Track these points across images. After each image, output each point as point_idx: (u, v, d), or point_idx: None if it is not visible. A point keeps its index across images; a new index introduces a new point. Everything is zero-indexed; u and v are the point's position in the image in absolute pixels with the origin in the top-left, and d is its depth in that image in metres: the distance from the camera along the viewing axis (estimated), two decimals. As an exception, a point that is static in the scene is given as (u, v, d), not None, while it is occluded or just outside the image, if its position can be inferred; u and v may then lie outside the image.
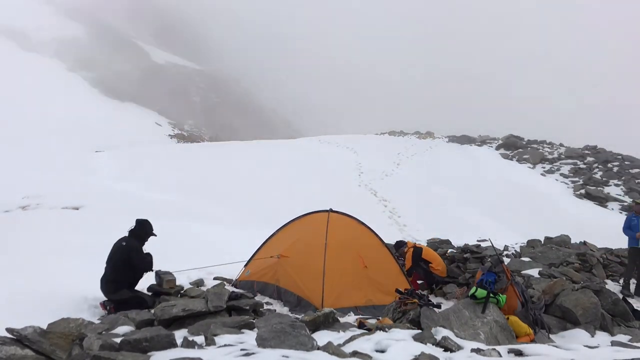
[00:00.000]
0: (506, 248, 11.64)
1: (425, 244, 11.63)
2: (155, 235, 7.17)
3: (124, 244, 6.90)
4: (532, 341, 5.25)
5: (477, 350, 4.04)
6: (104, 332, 5.17)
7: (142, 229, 7.03)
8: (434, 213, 19.08)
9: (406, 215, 18.71)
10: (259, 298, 7.52)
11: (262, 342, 3.69)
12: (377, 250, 8.23)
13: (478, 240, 11.89)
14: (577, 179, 26.10)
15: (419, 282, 9.34)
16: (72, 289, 7.00)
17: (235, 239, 11.96)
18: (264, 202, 17.93)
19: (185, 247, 10.78)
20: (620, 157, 29.96)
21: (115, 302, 6.56)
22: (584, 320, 6.00)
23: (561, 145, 33.56)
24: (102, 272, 6.81)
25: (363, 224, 8.48)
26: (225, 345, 3.96)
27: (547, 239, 11.94)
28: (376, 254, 8.13)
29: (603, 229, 16.70)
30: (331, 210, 8.30)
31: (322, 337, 4.42)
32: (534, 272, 8.84)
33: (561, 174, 27.13)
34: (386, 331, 4.41)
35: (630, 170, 27.03)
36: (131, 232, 7.02)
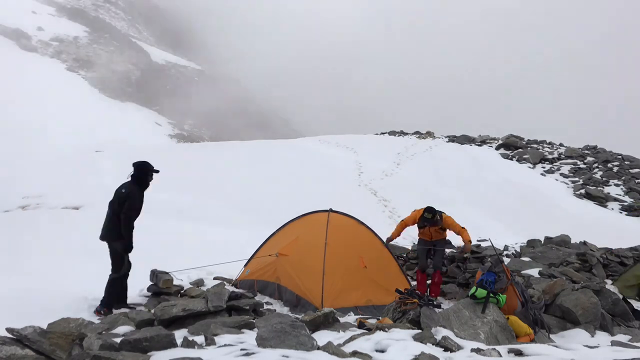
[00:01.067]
0: (506, 248, 11.63)
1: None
2: (158, 172, 6.92)
3: (124, 191, 6.76)
4: (532, 341, 5.25)
5: (477, 350, 4.04)
6: (104, 332, 5.18)
7: (141, 171, 6.84)
8: (434, 213, 19.05)
9: (406, 215, 18.68)
10: (259, 297, 7.52)
11: (262, 342, 3.69)
12: (378, 251, 8.22)
13: (478, 240, 11.87)
14: (577, 178, 26.09)
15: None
16: (72, 289, 7.01)
17: (235, 238, 11.96)
18: (263, 202, 17.92)
19: (185, 247, 10.79)
20: (620, 157, 29.96)
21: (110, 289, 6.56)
22: (584, 320, 6.00)
23: (561, 145, 33.56)
24: (102, 271, 6.81)
25: (363, 224, 8.48)
26: (225, 345, 3.96)
27: (547, 238, 11.92)
28: (376, 254, 8.12)
29: (603, 228, 16.70)
30: (331, 210, 8.30)
31: (322, 336, 4.43)
32: (534, 272, 8.83)
33: (561, 174, 27.11)
34: (386, 331, 4.41)
35: (630, 170, 27.04)
36: (132, 177, 6.85)
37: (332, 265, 7.28)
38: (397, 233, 8.68)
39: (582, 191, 23.61)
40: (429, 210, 8.38)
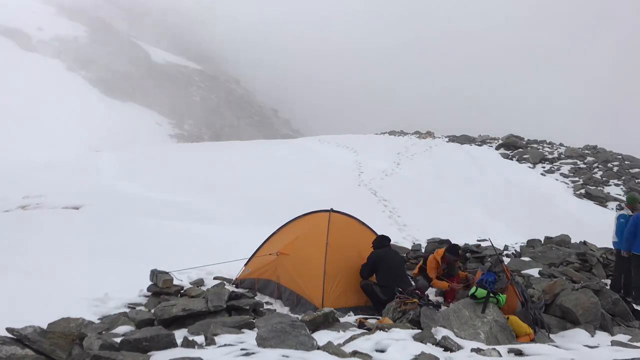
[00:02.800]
0: (506, 248, 11.65)
1: (425, 244, 11.62)
2: None
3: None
4: (532, 341, 5.24)
5: (477, 350, 4.04)
6: (104, 332, 5.19)
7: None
8: (434, 213, 19.07)
9: (406, 215, 18.69)
10: (259, 297, 7.52)
11: (262, 342, 3.70)
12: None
13: (478, 240, 11.90)
14: (577, 178, 26.08)
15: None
16: (72, 288, 7.01)
17: (236, 238, 11.95)
18: (264, 202, 17.92)
19: (186, 246, 10.78)
20: (620, 156, 29.96)
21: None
22: (584, 320, 6.00)
23: (561, 145, 33.56)
24: (102, 271, 6.81)
25: (364, 224, 8.47)
26: (225, 345, 3.96)
27: (547, 238, 11.94)
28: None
29: (603, 228, 16.63)
30: (332, 210, 8.29)
31: (322, 336, 4.43)
32: (534, 271, 8.84)
33: (561, 174, 27.11)
34: (386, 331, 4.42)
35: (630, 170, 27.04)
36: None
37: (333, 265, 7.28)
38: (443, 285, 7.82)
39: (582, 191, 23.60)
40: (453, 251, 7.78)
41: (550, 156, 30.35)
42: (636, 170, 27.05)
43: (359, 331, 4.75)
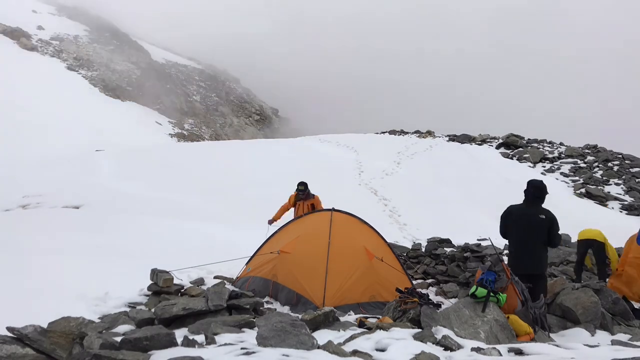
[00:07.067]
0: (506, 247, 11.62)
1: (426, 243, 11.59)
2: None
3: (543, 217, 6.30)
4: (532, 340, 5.24)
5: (478, 349, 4.04)
6: (104, 331, 5.18)
7: (544, 193, 6.38)
8: (434, 212, 19.06)
9: (406, 214, 18.69)
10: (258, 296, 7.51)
11: (262, 341, 3.69)
12: (380, 250, 8.21)
13: (478, 240, 11.86)
14: (577, 178, 26.09)
15: None
16: (72, 287, 7.01)
17: (236, 237, 11.96)
18: (264, 201, 17.88)
19: (186, 246, 10.78)
20: (620, 156, 29.97)
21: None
22: (584, 319, 5.99)
23: (561, 144, 33.55)
24: (102, 271, 6.80)
25: (366, 223, 8.47)
26: (225, 344, 3.96)
27: (548, 238, 11.91)
28: (379, 252, 8.11)
29: (603, 228, 16.60)
30: (334, 210, 8.30)
31: (323, 335, 4.43)
32: (534, 271, 8.81)
33: (561, 173, 27.11)
34: (386, 330, 4.42)
35: (630, 169, 27.04)
36: (535, 198, 6.38)
37: (335, 264, 7.27)
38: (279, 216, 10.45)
39: (583, 190, 23.62)
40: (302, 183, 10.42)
41: (550, 155, 30.37)
42: (636, 169, 27.07)
43: (359, 330, 4.75)
